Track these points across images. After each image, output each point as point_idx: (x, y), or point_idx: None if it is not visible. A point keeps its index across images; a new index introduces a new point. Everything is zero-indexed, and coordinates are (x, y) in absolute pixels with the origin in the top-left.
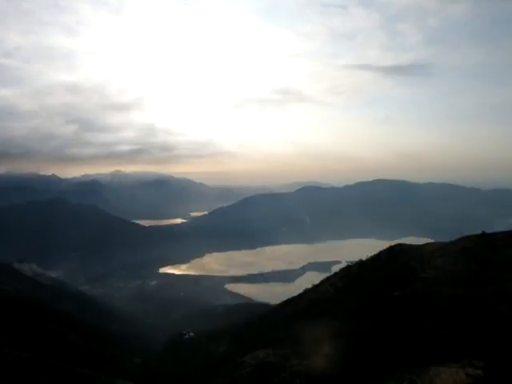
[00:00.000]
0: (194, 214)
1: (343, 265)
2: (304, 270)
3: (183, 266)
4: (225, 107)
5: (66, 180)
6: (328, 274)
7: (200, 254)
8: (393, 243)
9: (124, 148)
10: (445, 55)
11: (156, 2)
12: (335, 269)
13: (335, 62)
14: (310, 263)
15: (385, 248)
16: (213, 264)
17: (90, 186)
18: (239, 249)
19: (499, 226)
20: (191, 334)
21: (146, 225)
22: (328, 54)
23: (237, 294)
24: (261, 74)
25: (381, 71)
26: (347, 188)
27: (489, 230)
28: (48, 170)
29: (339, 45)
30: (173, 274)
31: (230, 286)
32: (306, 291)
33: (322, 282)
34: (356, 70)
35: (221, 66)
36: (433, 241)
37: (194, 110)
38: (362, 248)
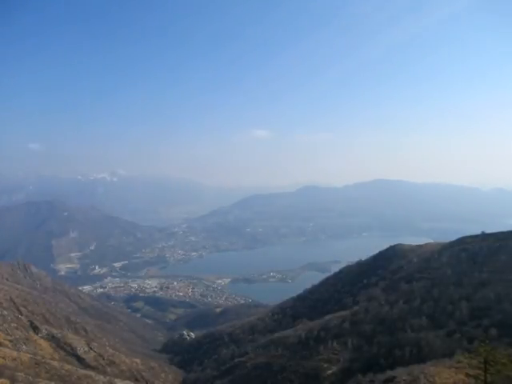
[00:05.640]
0: (194, 214)
1: (343, 265)
2: (304, 269)
3: (183, 266)
4: None
5: (65, 180)
6: (328, 274)
7: (199, 254)
8: (392, 243)
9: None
10: None
11: None
12: (335, 269)
13: None
14: (309, 263)
15: (384, 248)
16: (212, 264)
17: (90, 187)
18: (239, 249)
19: (499, 226)
20: (191, 334)
21: (146, 225)
22: None
23: (236, 294)
24: None
25: None
26: (346, 188)
27: (489, 230)
28: (47, 171)
29: None
30: (172, 274)
31: (230, 286)
32: (306, 291)
33: (322, 282)
34: None
35: None
36: (433, 241)
37: None
38: (361, 248)
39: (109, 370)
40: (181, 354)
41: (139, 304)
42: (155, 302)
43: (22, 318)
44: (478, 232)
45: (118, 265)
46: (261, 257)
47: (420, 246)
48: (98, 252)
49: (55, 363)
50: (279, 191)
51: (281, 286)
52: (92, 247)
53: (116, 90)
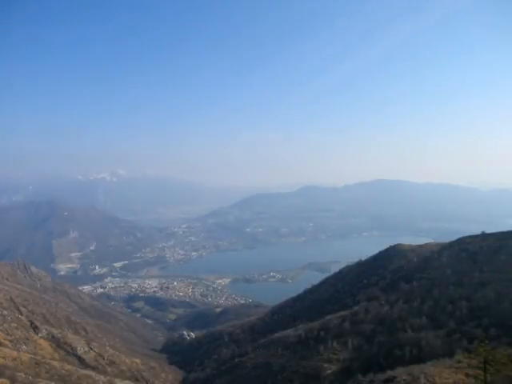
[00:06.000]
0: (194, 214)
1: (343, 265)
2: (304, 269)
3: (183, 266)
4: None
5: (65, 180)
6: (328, 274)
7: (199, 254)
8: (392, 243)
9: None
10: None
11: None
12: (335, 269)
13: None
14: (309, 263)
15: (384, 248)
16: (212, 264)
17: (90, 187)
18: (239, 249)
19: (499, 226)
20: (191, 334)
21: (146, 225)
22: None
23: (236, 294)
24: None
25: None
26: (347, 188)
27: (489, 230)
28: (47, 171)
29: None
30: (172, 274)
31: (230, 286)
32: (306, 291)
33: (322, 282)
34: None
35: None
36: (433, 241)
37: None
38: (361, 248)
39: (109, 369)
40: (181, 354)
41: (139, 304)
42: (155, 301)
43: (22, 317)
44: (478, 232)
45: (118, 265)
46: (261, 257)
47: (420, 246)
48: (98, 252)
49: (55, 363)
50: (279, 191)
51: (281, 285)
52: (92, 247)
53: (117, 90)
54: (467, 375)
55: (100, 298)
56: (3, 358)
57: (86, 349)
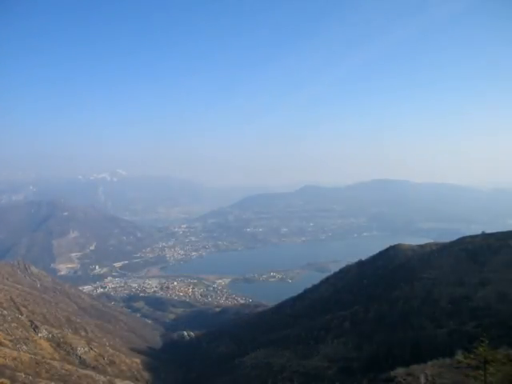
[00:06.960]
0: (194, 214)
1: (343, 265)
2: (304, 269)
3: (183, 266)
4: None
5: (65, 180)
6: (328, 274)
7: (199, 254)
8: (392, 243)
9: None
10: None
11: None
12: (335, 269)
13: None
14: (309, 263)
15: (384, 248)
16: (212, 264)
17: (90, 187)
18: (239, 249)
19: (499, 226)
20: (191, 334)
21: (146, 225)
22: None
23: (237, 294)
24: None
25: None
26: (347, 188)
27: (489, 230)
28: (47, 171)
29: None
30: (172, 274)
31: (230, 286)
32: (306, 291)
33: (322, 282)
34: None
35: None
36: (433, 241)
37: None
38: (361, 248)
39: (109, 369)
40: (180, 354)
41: (139, 304)
42: (155, 301)
43: (22, 317)
44: (478, 232)
45: (118, 265)
46: (261, 257)
47: (420, 246)
48: (99, 252)
49: (55, 363)
50: (279, 191)
51: (281, 285)
52: (92, 247)
53: (117, 89)
54: (467, 375)
55: (100, 298)
56: (3, 357)
57: (86, 349)
